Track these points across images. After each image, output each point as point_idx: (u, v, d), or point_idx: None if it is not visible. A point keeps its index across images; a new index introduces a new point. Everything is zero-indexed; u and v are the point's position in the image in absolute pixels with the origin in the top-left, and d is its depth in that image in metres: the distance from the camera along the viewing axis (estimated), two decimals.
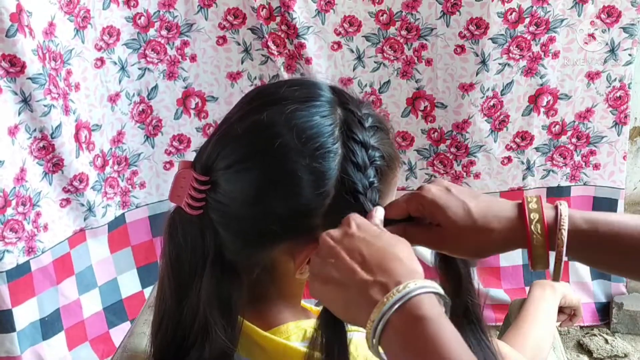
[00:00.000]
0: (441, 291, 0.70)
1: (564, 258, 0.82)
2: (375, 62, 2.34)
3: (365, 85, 2.34)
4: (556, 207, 0.83)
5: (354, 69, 2.33)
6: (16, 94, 1.84)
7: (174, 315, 0.89)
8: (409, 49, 2.30)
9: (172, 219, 0.89)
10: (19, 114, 1.86)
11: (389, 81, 2.38)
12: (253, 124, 0.84)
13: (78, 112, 2.05)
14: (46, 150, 1.96)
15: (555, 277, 0.85)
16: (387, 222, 0.84)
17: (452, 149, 2.44)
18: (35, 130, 1.90)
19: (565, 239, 0.81)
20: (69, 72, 2.00)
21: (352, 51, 2.32)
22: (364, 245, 0.74)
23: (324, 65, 2.27)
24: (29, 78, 1.81)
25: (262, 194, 0.82)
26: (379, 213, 0.83)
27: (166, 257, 0.91)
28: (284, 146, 0.81)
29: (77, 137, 2.03)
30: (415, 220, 0.88)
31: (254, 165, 0.82)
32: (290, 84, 0.88)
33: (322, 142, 0.82)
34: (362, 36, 2.31)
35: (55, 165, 1.98)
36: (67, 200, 2.08)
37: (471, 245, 0.85)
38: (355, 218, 0.78)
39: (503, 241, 0.85)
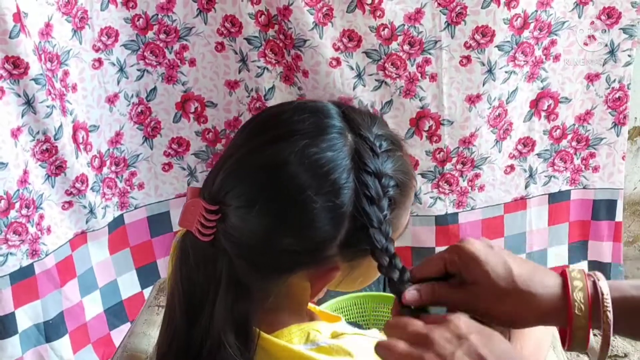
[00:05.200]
0: None
1: (610, 341, 0.74)
2: (376, 80, 2.21)
3: (366, 106, 2.23)
4: (595, 285, 0.75)
5: (354, 88, 2.21)
6: (19, 95, 1.79)
7: (184, 338, 0.86)
8: (412, 65, 2.19)
9: (183, 242, 0.88)
10: (22, 116, 1.83)
11: (391, 100, 2.25)
12: (264, 162, 0.81)
13: (75, 113, 2.01)
14: (49, 152, 1.92)
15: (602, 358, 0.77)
16: (418, 281, 0.81)
17: (458, 166, 2.37)
18: (38, 132, 1.88)
19: (611, 322, 0.73)
20: (66, 73, 1.96)
21: (351, 68, 2.18)
22: (486, 350, 0.67)
23: (322, 82, 2.17)
24: (32, 79, 1.78)
25: (276, 233, 0.80)
26: (410, 297, 0.79)
27: (177, 281, 0.88)
28: (298, 187, 0.78)
29: (74, 138, 2.01)
30: (447, 279, 0.82)
31: (268, 207, 0.79)
32: (299, 112, 0.84)
33: (336, 178, 0.79)
34: (363, 52, 2.17)
35: (58, 167, 1.97)
36: (70, 203, 2.07)
37: (508, 310, 0.76)
38: (460, 318, 0.72)
39: (543, 312, 0.75)
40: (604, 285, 0.75)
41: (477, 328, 0.70)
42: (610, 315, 0.72)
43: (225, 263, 0.82)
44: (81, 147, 2.04)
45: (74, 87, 1.99)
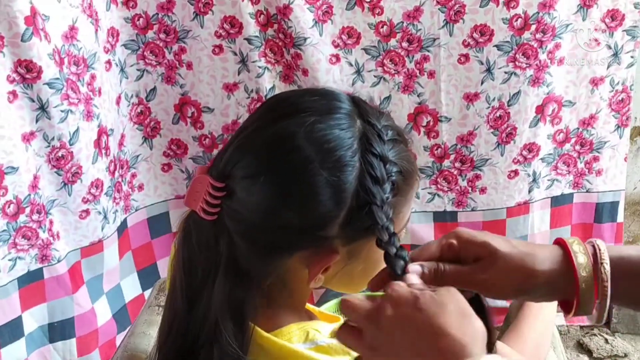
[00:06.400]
0: None
1: (609, 295, 0.74)
2: (375, 76, 2.24)
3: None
4: (593, 244, 0.78)
5: (352, 84, 2.24)
6: (33, 100, 1.77)
7: (184, 321, 0.87)
8: (410, 62, 2.22)
9: (187, 223, 0.90)
10: (37, 121, 1.81)
11: (389, 96, 2.28)
12: (273, 135, 0.82)
13: (101, 117, 2.01)
14: (65, 159, 1.90)
15: (600, 317, 0.77)
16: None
17: (457, 164, 2.39)
18: (53, 138, 1.86)
19: (608, 274, 0.74)
20: (93, 77, 1.95)
21: (350, 65, 2.22)
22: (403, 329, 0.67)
23: (322, 80, 2.20)
24: (46, 83, 1.75)
25: (279, 206, 0.81)
26: (413, 271, 0.78)
27: (179, 262, 0.89)
28: (304, 159, 0.80)
29: (98, 143, 1.99)
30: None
31: (273, 178, 0.80)
32: (310, 94, 0.88)
33: (341, 155, 0.80)
34: (362, 49, 2.21)
35: (74, 174, 1.95)
36: (87, 212, 2.05)
37: (512, 277, 0.78)
38: (392, 296, 0.71)
39: (548, 274, 0.76)
40: (600, 243, 0.77)
41: (404, 302, 0.69)
42: (607, 266, 0.74)
43: (226, 244, 0.83)
44: (103, 151, 2.03)
45: (99, 91, 1.99)
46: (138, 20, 2.16)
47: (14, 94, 1.75)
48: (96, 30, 1.99)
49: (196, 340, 0.85)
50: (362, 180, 0.81)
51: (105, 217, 2.13)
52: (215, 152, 2.42)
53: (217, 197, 0.82)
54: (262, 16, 2.14)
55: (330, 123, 0.81)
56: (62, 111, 1.83)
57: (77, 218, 2.03)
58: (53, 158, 1.90)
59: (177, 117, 2.35)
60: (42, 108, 1.80)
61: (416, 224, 2.47)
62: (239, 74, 2.24)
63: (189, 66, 2.25)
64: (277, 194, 0.80)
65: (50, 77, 1.75)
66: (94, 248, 2.14)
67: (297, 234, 0.82)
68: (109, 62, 2.09)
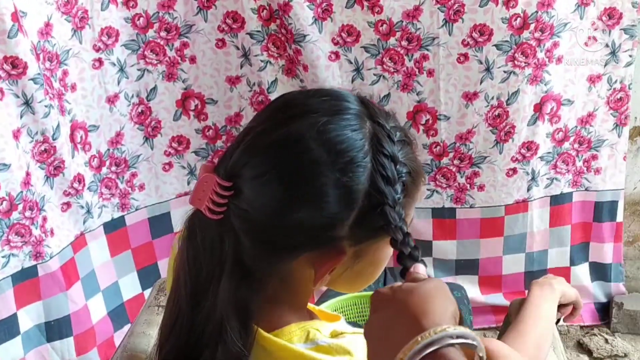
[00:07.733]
0: (480, 344, 0.65)
1: None
2: (374, 74, 2.26)
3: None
4: None
5: (352, 81, 2.25)
6: (18, 96, 1.79)
7: (188, 319, 0.87)
8: (409, 61, 2.22)
9: (192, 222, 0.88)
10: (21, 117, 1.83)
11: (388, 94, 2.28)
12: (283, 136, 0.81)
13: (74, 112, 2.02)
14: (47, 153, 1.92)
15: None
16: None
17: (455, 161, 2.38)
18: (37, 133, 1.87)
19: None
20: (65, 73, 1.97)
21: (350, 62, 2.24)
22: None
23: (322, 76, 2.20)
24: (31, 79, 1.78)
25: (288, 206, 0.80)
26: (420, 270, 0.79)
27: (183, 260, 0.88)
28: (314, 161, 0.79)
29: (72, 138, 2.01)
30: None
31: (283, 179, 0.79)
32: (319, 95, 0.86)
33: (353, 156, 0.79)
34: (361, 47, 2.21)
35: (56, 168, 1.97)
36: (68, 204, 2.06)
37: None
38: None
39: None
40: None
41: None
42: None
43: (232, 243, 0.82)
44: (79, 146, 2.03)
45: (73, 87, 2.00)
46: (138, 19, 2.14)
47: (1, 91, 1.74)
48: (80, 27, 1.97)
49: (199, 338, 0.84)
50: (373, 181, 0.80)
51: (88, 211, 2.11)
52: (218, 143, 2.42)
53: (224, 196, 0.81)
54: (264, 11, 2.14)
55: (341, 124, 0.80)
56: (45, 106, 1.83)
57: (60, 212, 2.02)
58: (36, 152, 1.89)
59: (179, 112, 2.33)
60: (27, 103, 1.80)
61: (415, 220, 2.40)
62: (241, 67, 2.28)
63: (192, 60, 2.26)
64: (287, 195, 0.79)
65: (34, 73, 1.77)
66: (79, 242, 2.12)
67: (306, 235, 0.81)
68: (99, 60, 2.07)
